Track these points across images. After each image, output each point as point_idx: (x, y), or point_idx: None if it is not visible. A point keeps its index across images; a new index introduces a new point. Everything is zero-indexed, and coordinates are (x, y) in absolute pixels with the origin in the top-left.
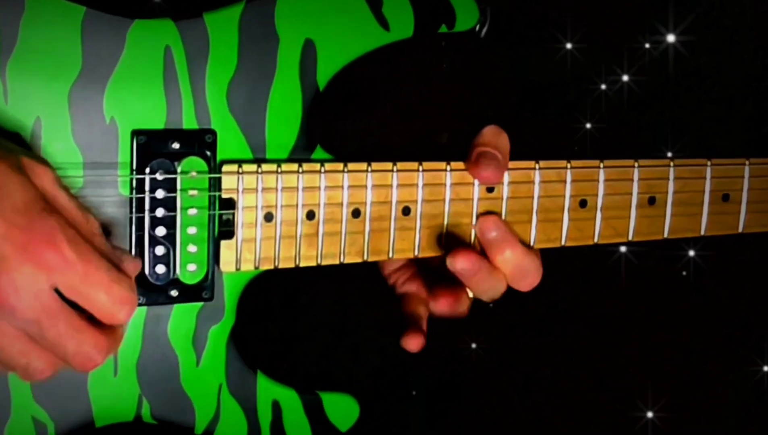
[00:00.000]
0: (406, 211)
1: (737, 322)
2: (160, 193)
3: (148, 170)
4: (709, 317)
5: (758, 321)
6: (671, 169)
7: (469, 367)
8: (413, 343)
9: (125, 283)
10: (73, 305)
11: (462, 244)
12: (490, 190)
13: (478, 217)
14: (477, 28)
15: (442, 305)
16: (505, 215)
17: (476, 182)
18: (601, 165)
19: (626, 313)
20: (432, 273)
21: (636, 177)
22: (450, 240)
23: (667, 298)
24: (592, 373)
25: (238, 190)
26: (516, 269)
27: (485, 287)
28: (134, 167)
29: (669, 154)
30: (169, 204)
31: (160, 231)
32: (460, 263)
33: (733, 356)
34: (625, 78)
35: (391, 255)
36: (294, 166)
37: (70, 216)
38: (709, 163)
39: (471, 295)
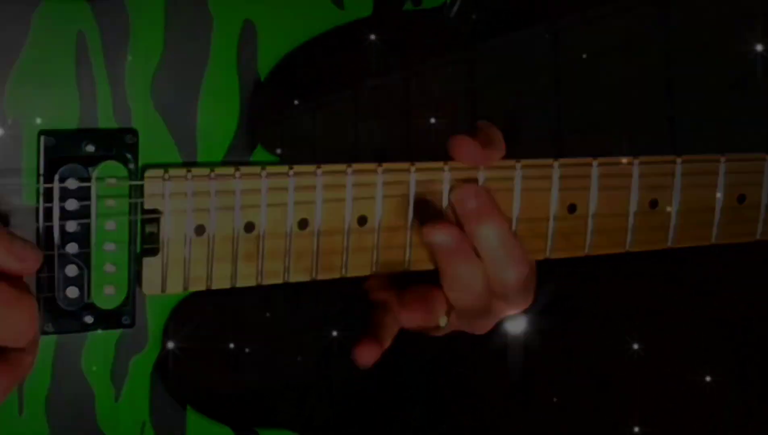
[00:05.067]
0: (362, 220)
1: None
2: (71, 204)
3: (57, 177)
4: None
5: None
6: (678, 167)
7: (469, 367)
8: (364, 355)
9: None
10: None
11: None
12: None
13: (453, 186)
14: (447, 3)
15: (411, 312)
16: None
17: (446, 186)
18: (595, 163)
19: (627, 312)
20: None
21: (635, 176)
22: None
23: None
24: (593, 373)
25: (164, 199)
26: (499, 250)
27: (462, 273)
28: (41, 174)
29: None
30: (83, 217)
31: (72, 248)
32: (439, 234)
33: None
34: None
35: (344, 272)
36: (230, 170)
37: None
38: (722, 159)
39: (443, 322)
